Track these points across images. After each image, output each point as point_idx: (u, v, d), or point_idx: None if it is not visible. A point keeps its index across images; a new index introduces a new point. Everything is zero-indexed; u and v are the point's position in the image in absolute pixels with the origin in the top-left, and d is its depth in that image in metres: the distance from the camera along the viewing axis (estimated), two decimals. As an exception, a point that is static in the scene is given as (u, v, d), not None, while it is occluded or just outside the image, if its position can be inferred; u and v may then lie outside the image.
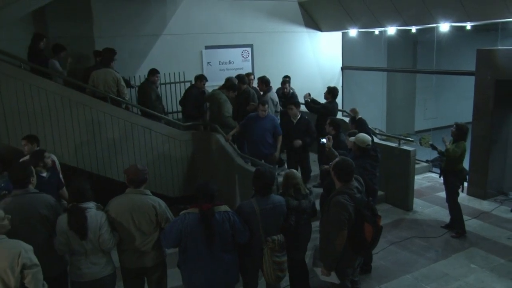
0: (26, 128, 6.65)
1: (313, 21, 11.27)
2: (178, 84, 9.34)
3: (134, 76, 8.75)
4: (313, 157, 8.14)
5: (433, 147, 7.04)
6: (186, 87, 8.93)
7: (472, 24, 8.62)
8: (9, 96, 6.52)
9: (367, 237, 4.08)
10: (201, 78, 8.36)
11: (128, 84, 8.31)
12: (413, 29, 9.99)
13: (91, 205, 3.93)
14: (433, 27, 9.22)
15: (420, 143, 10.04)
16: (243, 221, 4.04)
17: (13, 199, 3.93)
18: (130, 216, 3.97)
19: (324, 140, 5.79)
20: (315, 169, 7.93)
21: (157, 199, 4.15)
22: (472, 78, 8.20)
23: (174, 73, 9.26)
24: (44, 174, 5.17)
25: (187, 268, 3.93)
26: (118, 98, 7.43)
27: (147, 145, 7.56)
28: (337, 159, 4.39)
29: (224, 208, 3.96)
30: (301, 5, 10.97)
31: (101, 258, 3.96)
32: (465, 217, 6.91)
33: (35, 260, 3.29)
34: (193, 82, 8.54)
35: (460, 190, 6.75)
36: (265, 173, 4.28)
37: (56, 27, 8.38)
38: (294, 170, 4.89)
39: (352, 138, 5.69)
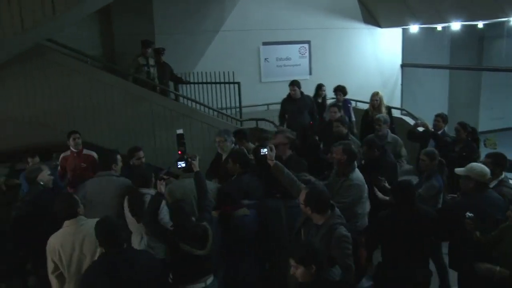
0: (81, 120, 6.99)
1: (372, 17, 10.99)
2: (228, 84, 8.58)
3: (192, 72, 8.85)
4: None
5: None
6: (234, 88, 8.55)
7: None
8: (77, 90, 6.87)
9: (362, 263, 3.81)
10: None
11: (180, 80, 8.47)
12: (480, 24, 9.53)
13: (151, 191, 4.09)
14: (503, 22, 8.72)
15: (485, 145, 9.52)
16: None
17: (94, 179, 4.48)
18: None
19: (265, 150, 3.87)
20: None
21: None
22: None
23: (224, 72, 8.52)
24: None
25: None
26: (175, 92, 7.67)
27: (206, 140, 7.68)
28: (305, 190, 3.42)
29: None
30: (360, 0, 10.75)
31: (156, 241, 3.99)
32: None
33: None
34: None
35: None
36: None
37: (120, 25, 8.70)
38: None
39: (461, 170, 3.92)
